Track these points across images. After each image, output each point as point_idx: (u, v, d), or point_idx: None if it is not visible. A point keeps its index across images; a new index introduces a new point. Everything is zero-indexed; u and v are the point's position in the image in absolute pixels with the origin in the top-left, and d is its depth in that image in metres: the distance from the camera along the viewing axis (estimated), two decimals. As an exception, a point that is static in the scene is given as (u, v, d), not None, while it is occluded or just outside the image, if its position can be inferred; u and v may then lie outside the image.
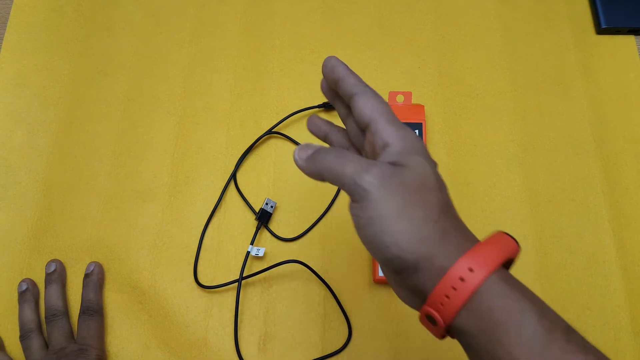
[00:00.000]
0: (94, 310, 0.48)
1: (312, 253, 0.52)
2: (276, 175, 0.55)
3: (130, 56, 0.61)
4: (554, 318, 0.27)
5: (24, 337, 0.47)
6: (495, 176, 0.55)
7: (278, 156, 0.56)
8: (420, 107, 0.55)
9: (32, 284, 0.50)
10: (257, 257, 0.51)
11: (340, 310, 0.49)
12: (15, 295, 0.50)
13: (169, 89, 0.59)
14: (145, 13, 0.63)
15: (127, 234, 0.53)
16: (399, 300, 0.32)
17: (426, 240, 0.27)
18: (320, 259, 0.51)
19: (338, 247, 0.52)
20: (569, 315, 0.49)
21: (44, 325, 0.48)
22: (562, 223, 0.52)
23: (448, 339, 0.29)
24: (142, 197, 0.54)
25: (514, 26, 0.62)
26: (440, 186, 0.29)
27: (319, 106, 0.57)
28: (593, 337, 0.48)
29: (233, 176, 0.55)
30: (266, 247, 0.52)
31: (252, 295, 0.50)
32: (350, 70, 0.32)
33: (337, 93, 0.34)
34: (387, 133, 0.29)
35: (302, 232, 0.52)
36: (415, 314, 0.32)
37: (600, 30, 0.60)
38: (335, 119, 0.57)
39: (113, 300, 0.50)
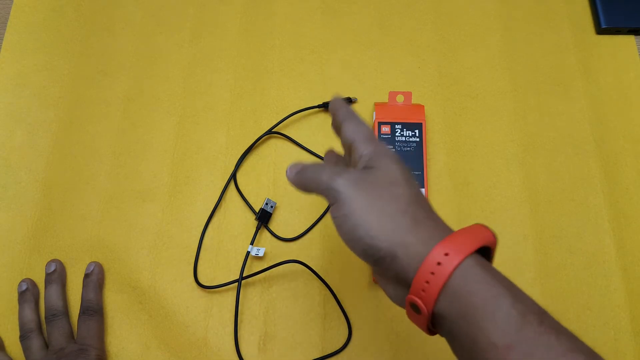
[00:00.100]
0: (94, 310, 0.48)
1: (312, 253, 0.52)
2: (276, 175, 0.55)
3: (130, 56, 0.61)
4: (527, 303, 0.28)
5: (24, 337, 0.47)
6: (495, 176, 0.55)
7: (278, 156, 0.56)
8: (420, 107, 0.55)
9: (32, 284, 0.50)
10: (257, 257, 0.51)
11: (340, 310, 0.49)
12: (15, 295, 0.50)
13: (169, 89, 0.59)
14: (145, 13, 0.63)
15: (127, 234, 0.53)
16: (399, 300, 0.33)
17: (398, 228, 0.30)
18: (320, 259, 0.51)
19: (338, 247, 0.52)
20: (569, 315, 0.49)
21: (44, 325, 0.48)
22: (562, 223, 0.53)
23: (443, 342, 0.30)
24: (142, 197, 0.54)
25: (514, 26, 0.62)
26: (409, 182, 0.32)
27: (318, 106, 0.57)
28: (593, 337, 0.48)
29: (233, 176, 0.55)
30: (266, 247, 0.52)
31: (252, 295, 0.50)
32: (345, 105, 0.38)
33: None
34: (362, 146, 0.34)
35: (302, 232, 0.52)
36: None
37: (600, 30, 0.60)
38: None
39: (113, 300, 0.50)
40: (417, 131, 0.54)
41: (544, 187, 0.54)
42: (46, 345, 0.47)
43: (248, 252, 0.50)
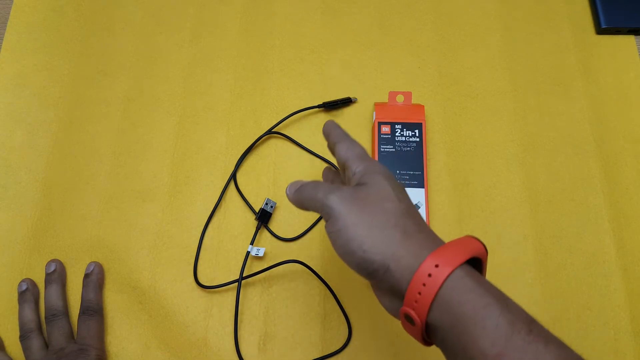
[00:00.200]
0: (94, 310, 0.48)
1: (312, 253, 0.52)
2: (276, 175, 0.55)
3: (130, 56, 0.61)
4: (517, 312, 0.28)
5: (24, 337, 0.47)
6: (495, 176, 0.55)
7: (278, 156, 0.56)
8: (420, 107, 0.55)
9: (32, 284, 0.50)
10: (257, 257, 0.51)
11: (340, 310, 0.49)
12: (15, 295, 0.50)
13: (169, 89, 0.59)
14: (145, 13, 0.63)
15: (127, 234, 0.53)
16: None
17: (389, 241, 0.31)
18: (320, 259, 0.51)
19: (338, 247, 0.52)
20: (569, 315, 0.49)
21: (44, 325, 0.48)
22: (562, 223, 0.52)
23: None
24: (142, 197, 0.54)
25: (514, 26, 0.62)
26: (400, 196, 0.34)
27: (318, 106, 0.57)
28: (593, 337, 0.48)
29: (233, 176, 0.55)
30: (266, 247, 0.52)
31: (252, 295, 0.50)
32: (338, 127, 0.40)
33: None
34: (355, 165, 0.36)
35: (302, 232, 0.52)
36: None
37: (600, 30, 0.60)
38: (334, 118, 0.57)
39: (113, 300, 0.50)
40: (417, 131, 0.54)
41: (544, 187, 0.54)
42: (46, 345, 0.47)
43: (248, 252, 0.50)
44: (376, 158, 0.53)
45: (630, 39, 0.60)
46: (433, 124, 0.57)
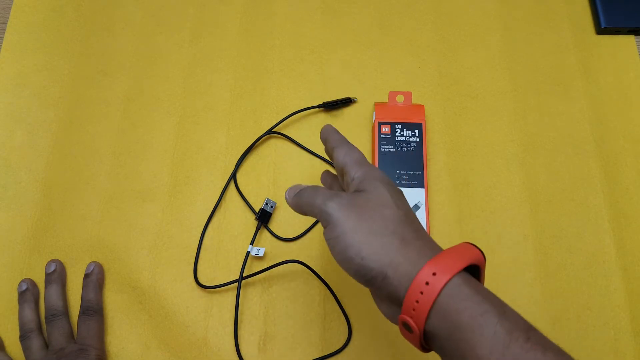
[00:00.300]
0: (94, 310, 0.48)
1: (312, 253, 0.52)
2: (276, 175, 0.55)
3: (130, 56, 0.61)
4: (514, 319, 0.28)
5: (24, 337, 0.47)
6: (495, 176, 0.55)
7: (278, 156, 0.56)
8: (420, 107, 0.55)
9: (32, 284, 0.50)
10: (257, 257, 0.51)
11: (340, 310, 0.49)
12: (15, 295, 0.50)
13: (169, 89, 0.59)
14: (145, 13, 0.63)
15: (127, 234, 0.53)
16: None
17: (387, 248, 0.31)
18: (320, 259, 0.51)
19: (338, 247, 0.52)
20: (569, 315, 0.49)
21: (44, 325, 0.48)
22: (562, 223, 0.52)
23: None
24: (142, 197, 0.54)
25: (514, 26, 0.62)
26: (397, 204, 0.33)
27: (318, 106, 0.57)
28: (593, 337, 0.48)
29: (233, 176, 0.55)
30: (266, 247, 0.52)
31: (252, 295, 0.50)
32: (336, 131, 0.40)
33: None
34: (353, 170, 0.36)
35: (302, 232, 0.52)
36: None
37: (600, 30, 0.60)
38: (334, 118, 0.57)
39: (113, 300, 0.50)
40: (417, 131, 0.54)
41: (544, 187, 0.54)
42: (46, 345, 0.47)
43: (248, 252, 0.50)
44: (376, 158, 0.53)
45: (630, 39, 0.60)
46: (433, 124, 0.57)
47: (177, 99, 0.58)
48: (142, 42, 0.61)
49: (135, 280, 0.51)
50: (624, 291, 0.50)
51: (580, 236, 0.52)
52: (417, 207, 0.52)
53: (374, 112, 0.55)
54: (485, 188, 0.54)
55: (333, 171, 0.49)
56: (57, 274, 0.50)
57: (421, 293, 0.29)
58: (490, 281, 0.50)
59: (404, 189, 0.52)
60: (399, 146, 0.53)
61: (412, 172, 0.53)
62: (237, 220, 0.53)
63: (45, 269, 0.50)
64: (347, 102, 0.57)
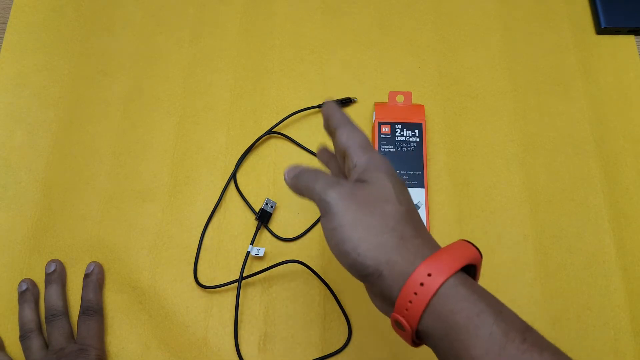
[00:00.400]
0: (94, 310, 0.48)
1: (312, 253, 0.52)
2: (276, 175, 0.55)
3: (130, 56, 0.61)
4: (511, 320, 0.28)
5: (24, 337, 0.47)
6: (495, 176, 0.55)
7: (278, 156, 0.56)
8: (420, 107, 0.55)
9: (32, 284, 0.50)
10: (257, 257, 0.51)
11: (340, 310, 0.49)
12: (15, 295, 0.50)
13: (169, 89, 0.59)
14: (145, 13, 0.63)
15: (127, 234, 0.53)
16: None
17: (383, 246, 0.30)
18: (320, 259, 0.51)
19: (338, 247, 0.52)
20: (569, 315, 0.49)
21: (44, 325, 0.48)
22: (562, 223, 0.52)
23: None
24: (142, 197, 0.54)
25: (514, 26, 0.62)
26: (400, 199, 0.32)
27: (318, 106, 0.57)
28: (593, 337, 0.48)
29: (233, 176, 0.55)
30: (266, 247, 0.52)
31: (252, 295, 0.50)
32: (339, 110, 0.38)
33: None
34: (356, 156, 0.34)
35: (302, 232, 0.52)
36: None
37: (600, 30, 0.60)
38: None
39: (113, 300, 0.50)
40: (417, 131, 0.54)
41: (544, 187, 0.54)
42: (46, 345, 0.47)
43: (248, 252, 0.50)
44: (376, 158, 0.53)
45: (630, 39, 0.60)
46: (433, 124, 0.57)
47: (177, 99, 0.58)
48: (142, 42, 0.61)
49: (135, 280, 0.51)
50: (624, 291, 0.50)
51: (580, 236, 0.52)
52: (417, 207, 0.52)
53: (374, 112, 0.55)
54: (485, 188, 0.54)
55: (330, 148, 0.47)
56: (57, 274, 0.50)
57: (415, 294, 0.28)
58: (490, 281, 0.50)
59: (404, 189, 0.51)
60: (399, 146, 0.53)
61: (412, 172, 0.53)
62: (237, 220, 0.53)
63: (45, 269, 0.50)
64: (347, 102, 0.57)
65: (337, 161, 0.41)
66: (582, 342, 0.48)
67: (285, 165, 0.55)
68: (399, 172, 0.52)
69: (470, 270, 0.31)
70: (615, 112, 0.57)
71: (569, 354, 0.28)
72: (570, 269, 0.51)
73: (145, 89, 0.59)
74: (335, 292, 0.50)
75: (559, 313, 0.49)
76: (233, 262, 0.51)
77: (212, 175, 0.55)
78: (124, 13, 0.63)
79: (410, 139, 0.54)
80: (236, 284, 0.49)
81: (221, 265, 0.51)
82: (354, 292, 0.50)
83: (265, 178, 0.55)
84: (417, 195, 0.52)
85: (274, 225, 0.53)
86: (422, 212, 0.51)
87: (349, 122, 0.36)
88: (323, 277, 0.50)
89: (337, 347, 0.48)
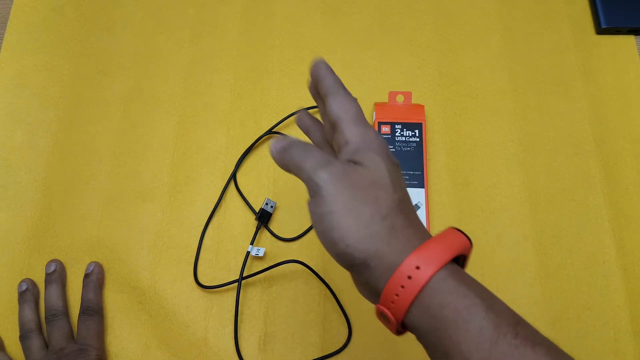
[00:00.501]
0: (94, 310, 0.48)
1: (312, 253, 0.52)
2: (276, 175, 0.55)
3: (130, 56, 0.61)
4: (502, 313, 0.27)
5: (24, 337, 0.47)
6: (495, 176, 0.55)
7: (278, 156, 0.56)
8: (420, 107, 0.55)
9: (32, 284, 0.50)
10: (257, 257, 0.51)
11: (340, 310, 0.49)
12: (15, 295, 0.50)
13: (169, 89, 0.59)
14: (145, 13, 0.63)
15: (127, 234, 0.53)
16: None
17: (374, 236, 0.28)
18: (320, 259, 0.51)
19: (338, 247, 0.52)
20: (569, 315, 0.49)
21: (44, 325, 0.48)
22: (562, 223, 0.52)
23: None
24: (142, 197, 0.54)
25: (514, 26, 0.62)
26: (394, 184, 0.30)
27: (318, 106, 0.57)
28: (593, 337, 0.48)
29: (233, 176, 0.55)
30: (266, 247, 0.52)
31: (252, 295, 0.50)
32: (332, 73, 0.34)
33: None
34: (349, 131, 0.31)
35: (302, 232, 0.52)
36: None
37: (600, 30, 0.60)
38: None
39: (113, 300, 0.50)
40: (417, 131, 0.54)
41: (544, 187, 0.54)
42: (46, 345, 0.47)
43: (248, 252, 0.50)
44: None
45: (630, 39, 0.60)
46: (433, 124, 0.57)
47: (177, 99, 0.58)
48: (142, 42, 0.61)
49: (135, 280, 0.51)
50: (624, 291, 0.50)
51: (580, 236, 0.52)
52: (417, 207, 0.52)
53: (374, 112, 0.55)
54: (485, 188, 0.54)
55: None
56: (57, 274, 0.50)
57: (402, 287, 0.27)
58: (490, 281, 0.50)
59: (404, 189, 0.51)
60: (399, 146, 0.53)
61: (412, 172, 0.53)
62: (237, 220, 0.53)
63: (45, 269, 0.50)
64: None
65: (320, 129, 0.38)
66: (582, 342, 0.48)
67: (285, 165, 0.55)
68: (399, 172, 0.52)
69: (460, 259, 0.30)
70: (615, 112, 0.57)
71: (569, 354, 0.27)
72: (570, 269, 0.51)
73: (145, 89, 0.59)
74: (335, 292, 0.50)
75: (559, 313, 0.49)
76: (233, 262, 0.51)
77: (212, 175, 0.55)
78: (124, 13, 0.63)
79: (410, 139, 0.54)
80: (236, 284, 0.49)
81: (221, 265, 0.51)
82: (354, 292, 0.50)
83: (265, 178, 0.55)
84: (417, 195, 0.52)
85: (274, 225, 0.53)
86: (422, 212, 0.51)
87: (341, 89, 0.33)
88: (323, 277, 0.50)
89: (337, 347, 0.48)
